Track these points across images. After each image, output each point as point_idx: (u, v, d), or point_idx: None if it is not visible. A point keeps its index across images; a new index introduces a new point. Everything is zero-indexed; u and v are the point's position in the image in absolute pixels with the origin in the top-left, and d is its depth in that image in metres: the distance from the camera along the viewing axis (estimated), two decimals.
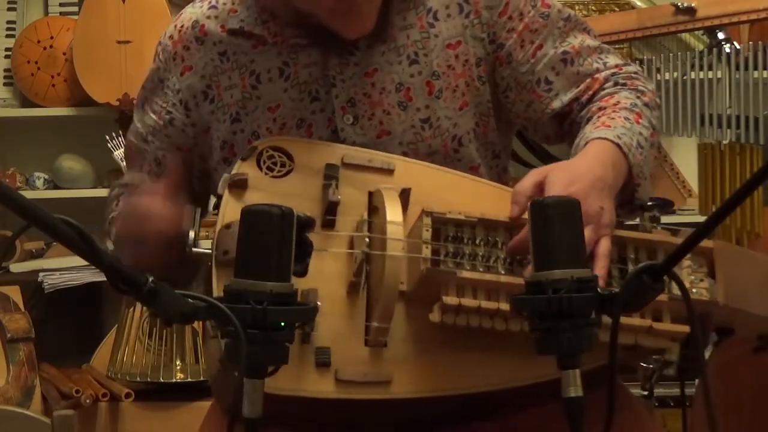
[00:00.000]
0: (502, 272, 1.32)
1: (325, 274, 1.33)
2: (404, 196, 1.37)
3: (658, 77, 2.78)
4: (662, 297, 1.30)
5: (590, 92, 1.53)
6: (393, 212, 1.31)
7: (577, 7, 3.65)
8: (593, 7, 3.66)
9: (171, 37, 1.58)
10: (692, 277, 1.35)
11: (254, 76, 1.52)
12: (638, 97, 1.51)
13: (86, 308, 3.60)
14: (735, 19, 2.71)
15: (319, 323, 1.23)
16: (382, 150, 1.46)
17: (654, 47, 3.60)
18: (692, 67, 2.78)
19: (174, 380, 3.12)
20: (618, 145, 1.39)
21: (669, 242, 1.35)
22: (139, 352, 3.15)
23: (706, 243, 1.37)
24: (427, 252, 1.30)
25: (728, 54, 2.77)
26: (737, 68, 2.74)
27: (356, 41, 1.49)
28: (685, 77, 2.76)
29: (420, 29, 1.52)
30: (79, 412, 2.81)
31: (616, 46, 3.47)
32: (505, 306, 1.29)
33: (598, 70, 1.54)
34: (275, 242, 1.09)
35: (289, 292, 1.10)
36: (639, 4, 3.58)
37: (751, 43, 2.77)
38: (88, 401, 2.93)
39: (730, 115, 2.74)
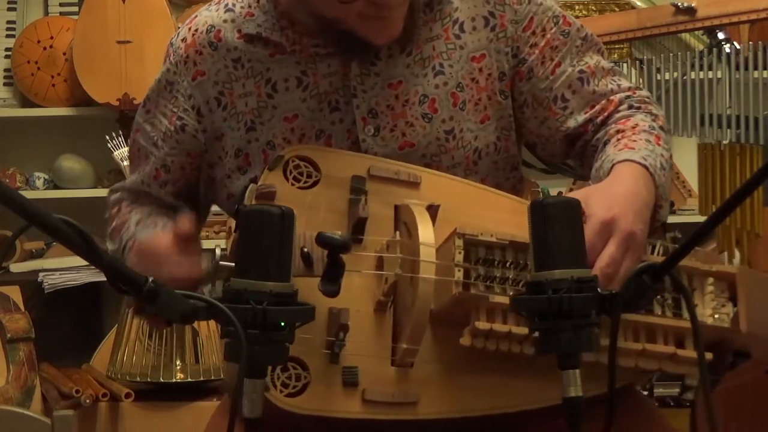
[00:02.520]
0: None
1: (353, 292, 1.32)
2: (432, 212, 1.35)
3: (658, 77, 2.77)
4: (685, 323, 1.31)
5: (605, 114, 1.52)
6: (425, 232, 1.29)
7: (577, 7, 3.66)
8: (593, 7, 3.66)
9: (184, 39, 1.54)
10: (714, 303, 1.34)
11: (270, 85, 1.50)
12: (654, 120, 1.51)
13: (86, 308, 3.60)
14: (735, 19, 2.71)
15: (347, 341, 1.23)
16: (404, 162, 1.44)
17: (654, 47, 3.60)
18: (692, 67, 2.77)
19: (174, 380, 3.12)
20: (645, 167, 1.39)
21: (690, 267, 1.34)
22: (139, 352, 3.16)
23: (728, 268, 1.36)
24: (459, 275, 1.28)
25: (728, 54, 2.76)
26: (737, 68, 2.74)
27: (378, 52, 1.48)
28: (685, 77, 2.76)
29: (446, 40, 1.51)
30: (79, 412, 2.80)
31: (616, 46, 3.48)
32: None
33: (612, 92, 1.54)
34: (275, 242, 1.10)
35: (289, 292, 1.10)
36: (639, 4, 3.58)
37: (751, 43, 2.77)
38: (88, 401, 2.93)
39: (730, 115, 2.74)
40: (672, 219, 3.57)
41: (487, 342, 1.29)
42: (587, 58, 1.54)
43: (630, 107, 1.53)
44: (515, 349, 1.29)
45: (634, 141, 1.44)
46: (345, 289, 1.25)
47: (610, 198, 1.32)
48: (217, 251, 1.35)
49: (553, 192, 3.42)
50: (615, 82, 1.55)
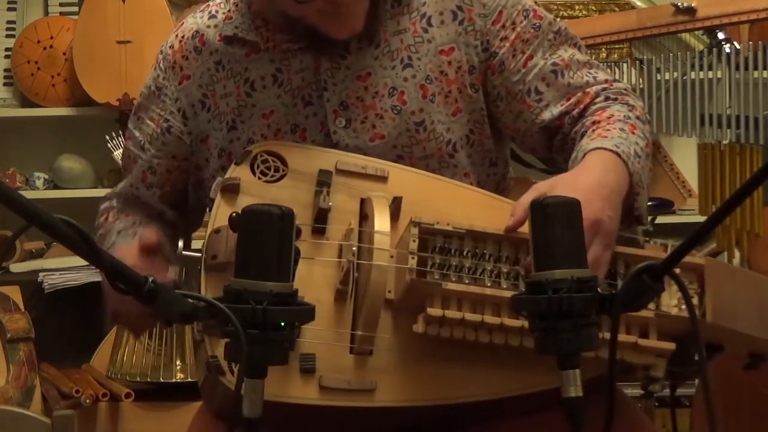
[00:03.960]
0: (488, 285, 1.32)
1: (313, 281, 1.34)
2: (395, 204, 1.37)
3: (658, 77, 2.78)
4: (648, 313, 1.31)
5: (581, 106, 1.53)
6: (381, 221, 1.31)
7: (577, 7, 3.66)
8: (593, 7, 3.66)
9: (171, 46, 1.60)
10: (680, 294, 1.34)
11: (248, 84, 1.53)
12: (630, 111, 1.51)
13: (86, 308, 3.59)
14: (735, 19, 2.71)
15: (304, 329, 1.23)
16: (376, 153, 1.47)
17: (654, 47, 3.60)
18: (692, 67, 2.78)
19: (174, 380, 3.12)
20: (617, 153, 1.39)
21: (660, 258, 1.34)
22: (139, 352, 3.15)
23: (696, 260, 1.37)
24: (413, 262, 1.30)
25: (728, 54, 2.77)
26: (737, 68, 2.74)
27: (347, 45, 1.50)
28: (685, 77, 2.76)
29: (413, 34, 1.53)
30: (79, 412, 2.81)
31: (616, 46, 3.48)
32: (489, 318, 1.29)
33: (588, 84, 1.54)
34: (275, 242, 1.09)
35: (289, 292, 1.10)
36: (639, 4, 3.58)
37: (751, 43, 2.77)
38: (88, 401, 2.92)
39: (730, 115, 2.74)
40: (672, 219, 3.56)
41: (441, 329, 1.29)
42: (561, 51, 1.55)
43: (606, 99, 1.53)
44: (470, 337, 1.30)
45: (608, 130, 1.45)
46: (306, 277, 1.28)
47: (576, 187, 1.32)
48: (180, 243, 1.39)
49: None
50: (591, 74, 1.55)
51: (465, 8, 1.54)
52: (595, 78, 1.55)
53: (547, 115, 1.53)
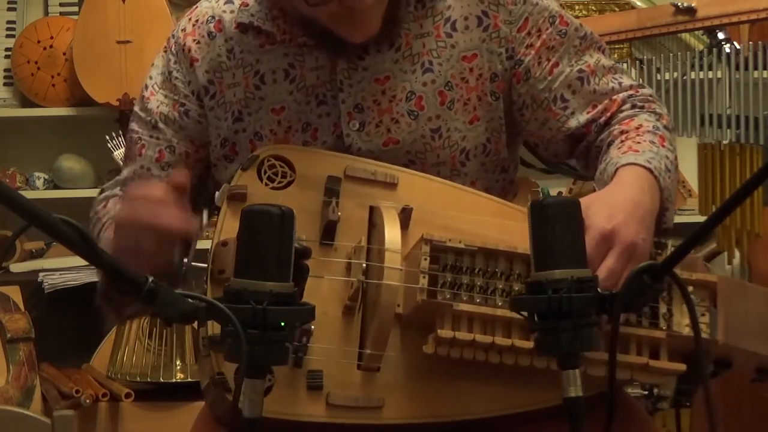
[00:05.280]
0: (500, 303, 1.30)
1: (321, 296, 1.32)
2: (405, 214, 1.35)
3: (658, 77, 2.77)
4: (660, 334, 1.30)
5: (608, 114, 1.51)
6: (391, 237, 1.28)
7: (577, 7, 3.66)
8: (593, 7, 3.66)
9: (184, 30, 1.56)
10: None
11: (258, 76, 1.50)
12: (658, 120, 1.49)
13: (86, 308, 3.57)
14: (735, 19, 2.71)
15: (311, 346, 1.23)
16: (388, 158, 1.44)
17: (654, 47, 3.60)
18: (692, 67, 2.77)
19: (174, 380, 3.12)
20: (650, 170, 1.37)
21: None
22: (139, 352, 3.15)
23: (709, 277, 1.35)
24: (423, 282, 1.28)
25: (728, 54, 2.76)
26: (737, 68, 2.74)
27: (366, 46, 1.47)
28: (685, 77, 2.76)
29: (437, 38, 1.50)
30: (79, 412, 2.80)
31: (616, 46, 3.48)
32: (500, 340, 1.28)
33: (614, 90, 1.52)
34: (275, 242, 1.09)
35: (289, 292, 1.10)
36: (639, 4, 3.58)
37: (751, 43, 2.77)
38: (88, 401, 2.93)
39: (730, 115, 2.74)
40: None
41: (451, 350, 1.28)
42: (587, 57, 1.52)
43: (633, 106, 1.51)
44: (480, 357, 1.29)
45: (638, 143, 1.42)
46: (313, 292, 1.25)
47: (611, 207, 1.30)
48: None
49: (553, 192, 3.42)
50: (616, 80, 1.53)
51: (491, 14, 1.50)
52: (620, 84, 1.53)
53: (573, 123, 1.51)
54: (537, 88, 1.51)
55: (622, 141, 1.45)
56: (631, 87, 1.54)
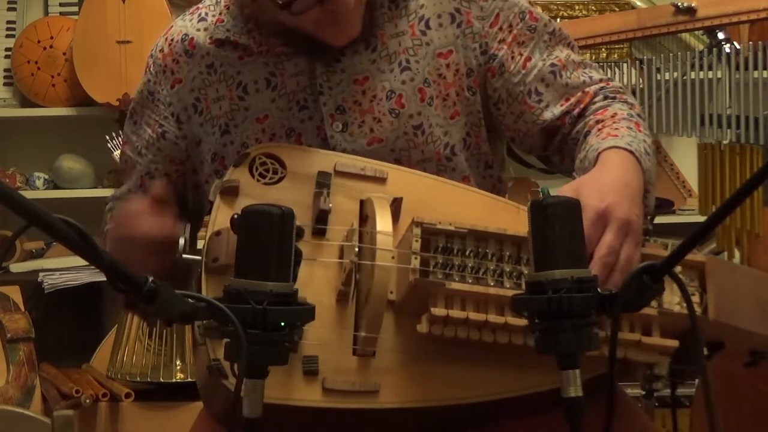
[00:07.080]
0: (491, 284, 1.31)
1: (315, 282, 1.33)
2: (396, 205, 1.37)
3: (658, 77, 2.78)
4: (652, 311, 1.31)
5: (581, 106, 1.54)
6: (382, 222, 1.31)
7: (577, 7, 3.66)
8: (593, 7, 3.66)
9: (161, 50, 1.59)
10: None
11: (241, 88, 1.53)
12: (630, 108, 1.52)
13: (86, 308, 3.59)
14: (735, 19, 2.71)
15: (306, 331, 1.23)
16: (374, 157, 1.46)
17: (654, 47, 3.60)
18: (692, 67, 2.78)
19: (174, 380, 3.12)
20: (631, 152, 1.39)
21: (658, 256, 1.33)
22: (139, 352, 3.16)
23: (697, 257, 1.37)
24: (415, 263, 1.30)
25: (728, 54, 2.76)
26: (737, 68, 2.74)
27: (342, 48, 1.49)
28: (685, 77, 2.76)
29: (412, 36, 1.52)
30: (79, 412, 2.81)
31: (616, 46, 3.48)
32: (493, 318, 1.29)
33: (585, 83, 1.55)
34: (275, 242, 1.09)
35: (289, 292, 1.10)
36: (639, 4, 3.58)
37: (751, 43, 2.77)
38: (88, 401, 2.93)
39: (730, 115, 2.74)
40: (672, 219, 3.56)
41: (445, 329, 1.29)
42: (557, 52, 1.56)
43: (605, 98, 1.54)
44: (474, 336, 1.29)
45: (616, 129, 1.45)
46: (307, 279, 1.27)
47: (602, 187, 1.32)
48: (180, 241, 1.39)
49: (553, 192, 3.41)
50: (587, 74, 1.57)
51: (463, 11, 1.53)
52: (591, 78, 1.56)
53: (548, 116, 1.54)
54: (512, 82, 1.54)
55: (599, 129, 1.48)
56: (601, 80, 1.57)
